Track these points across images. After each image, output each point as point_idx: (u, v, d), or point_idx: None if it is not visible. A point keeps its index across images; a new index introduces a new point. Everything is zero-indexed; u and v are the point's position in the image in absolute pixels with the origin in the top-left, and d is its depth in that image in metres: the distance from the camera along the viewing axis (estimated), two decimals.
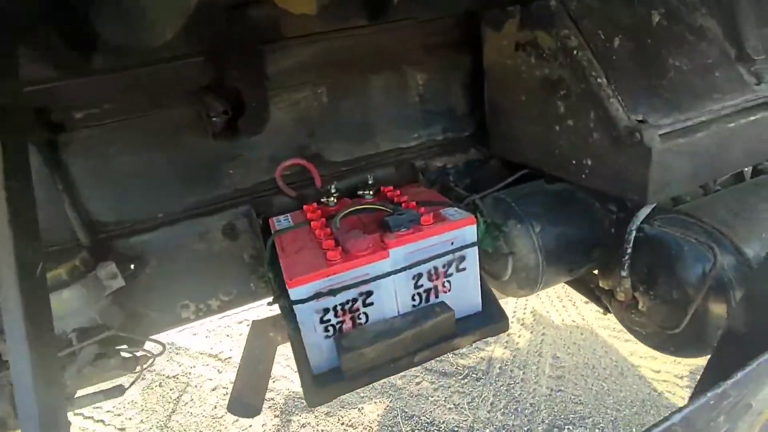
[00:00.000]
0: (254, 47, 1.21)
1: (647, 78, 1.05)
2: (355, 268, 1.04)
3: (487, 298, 1.25)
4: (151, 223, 1.34)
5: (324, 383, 1.07)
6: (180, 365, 3.01)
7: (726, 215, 1.09)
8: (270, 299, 1.20)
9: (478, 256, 1.20)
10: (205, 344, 3.16)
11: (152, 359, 1.23)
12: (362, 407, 2.46)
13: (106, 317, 1.17)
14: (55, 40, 0.90)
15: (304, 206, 1.32)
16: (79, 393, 1.25)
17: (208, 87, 1.20)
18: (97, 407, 2.73)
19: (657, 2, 1.16)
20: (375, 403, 2.47)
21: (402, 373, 2.62)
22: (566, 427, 2.21)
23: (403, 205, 1.24)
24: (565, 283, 1.54)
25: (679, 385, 2.36)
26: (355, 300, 1.08)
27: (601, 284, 1.25)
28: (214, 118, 1.15)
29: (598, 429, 2.19)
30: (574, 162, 1.16)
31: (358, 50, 1.38)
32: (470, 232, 1.16)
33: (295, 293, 1.01)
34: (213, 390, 2.75)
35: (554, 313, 2.97)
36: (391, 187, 1.38)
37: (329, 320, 1.08)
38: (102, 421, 2.68)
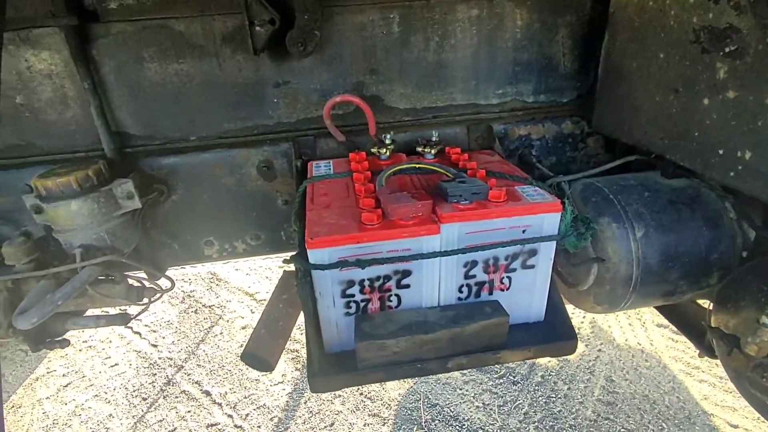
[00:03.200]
0: None
1: None
2: (395, 239, 0.82)
3: (554, 309, 0.98)
4: (182, 144, 1.20)
5: (332, 369, 0.89)
6: (217, 297, 3.05)
7: None
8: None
9: (553, 255, 0.92)
10: (245, 281, 3.17)
11: (160, 294, 1.11)
12: (385, 382, 2.32)
13: (116, 239, 1.05)
14: None
15: (351, 154, 1.10)
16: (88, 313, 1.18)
17: None
18: (137, 321, 2.84)
19: None
20: (399, 381, 2.32)
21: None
22: None
23: (469, 172, 0.98)
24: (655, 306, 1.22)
25: None
26: (387, 278, 0.87)
27: (715, 323, 0.93)
28: (257, 27, 0.94)
29: None
30: (721, 152, 0.83)
31: None
32: (551, 221, 0.89)
33: (314, 256, 0.81)
34: (243, 328, 2.74)
35: (617, 329, 2.59)
36: (459, 150, 1.12)
37: (353, 295, 0.88)
38: (139, 333, 2.78)
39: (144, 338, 2.75)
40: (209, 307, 2.98)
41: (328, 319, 0.89)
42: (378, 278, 0.87)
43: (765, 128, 0.75)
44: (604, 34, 1.12)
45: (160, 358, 2.58)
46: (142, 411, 2.24)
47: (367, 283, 0.87)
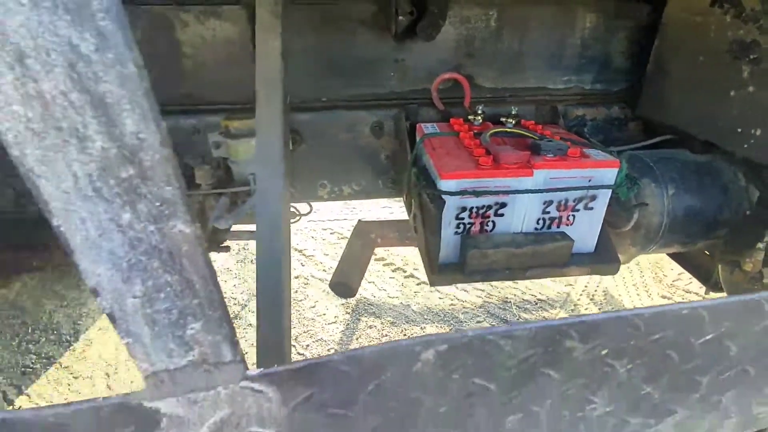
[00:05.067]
0: None
1: None
2: (501, 178, 1.15)
3: (604, 242, 1.32)
4: (314, 104, 1.52)
5: (445, 271, 1.23)
6: None
7: None
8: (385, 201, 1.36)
9: (608, 201, 1.26)
10: (294, 239, 3.52)
11: (299, 217, 1.46)
12: (424, 327, 2.68)
13: None
14: None
15: (451, 119, 1.43)
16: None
17: None
18: None
19: None
20: (436, 327, 2.68)
21: (466, 311, 2.80)
22: None
23: (548, 136, 1.31)
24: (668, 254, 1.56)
25: None
26: (489, 207, 1.21)
27: (722, 255, 1.27)
28: (400, 17, 1.26)
29: None
30: (740, 131, 1.16)
31: None
32: (610, 174, 1.22)
33: (445, 185, 1.14)
34: (296, 278, 3.10)
35: (626, 298, 2.95)
36: (533, 122, 1.45)
37: (463, 219, 1.21)
38: None
39: None
40: None
41: (444, 235, 1.23)
42: (483, 207, 1.20)
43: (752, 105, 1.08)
44: (655, 39, 1.44)
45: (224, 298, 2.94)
46: None
47: (475, 210, 1.20)
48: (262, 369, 0.32)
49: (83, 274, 0.24)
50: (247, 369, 0.32)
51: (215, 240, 1.39)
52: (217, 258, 3.32)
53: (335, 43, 1.44)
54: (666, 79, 1.40)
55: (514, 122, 1.46)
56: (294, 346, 2.55)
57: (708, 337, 0.43)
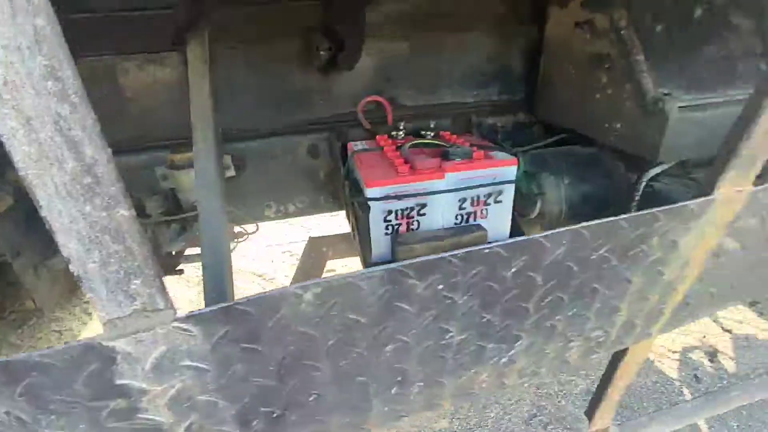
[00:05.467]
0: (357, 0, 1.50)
1: (678, 61, 1.27)
2: (418, 182, 1.34)
3: (515, 229, 1.53)
4: (255, 133, 1.68)
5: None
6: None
7: None
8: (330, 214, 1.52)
9: (513, 194, 1.48)
10: (253, 265, 3.60)
11: (246, 236, 1.59)
12: None
13: None
14: None
15: (377, 136, 1.62)
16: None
17: (317, 27, 1.50)
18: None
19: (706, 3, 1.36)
20: None
21: None
22: None
23: (459, 144, 1.53)
24: None
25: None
26: (412, 208, 1.39)
27: None
28: (321, 53, 1.45)
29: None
30: (606, 125, 1.41)
31: (438, 12, 1.64)
32: (511, 171, 1.44)
33: (371, 192, 1.32)
34: None
35: None
36: (449, 132, 1.66)
37: (390, 221, 1.39)
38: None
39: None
40: None
41: (375, 238, 1.40)
42: (406, 209, 1.39)
43: (626, 110, 1.33)
44: (542, 55, 1.70)
45: None
46: None
47: (400, 212, 1.38)
48: (188, 312, 0.47)
49: (61, 248, 0.38)
50: (176, 313, 0.47)
51: (170, 264, 1.50)
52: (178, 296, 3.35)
53: (269, 78, 1.61)
54: (552, 87, 1.66)
55: (432, 134, 1.67)
56: None
57: (513, 270, 0.61)
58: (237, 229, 1.77)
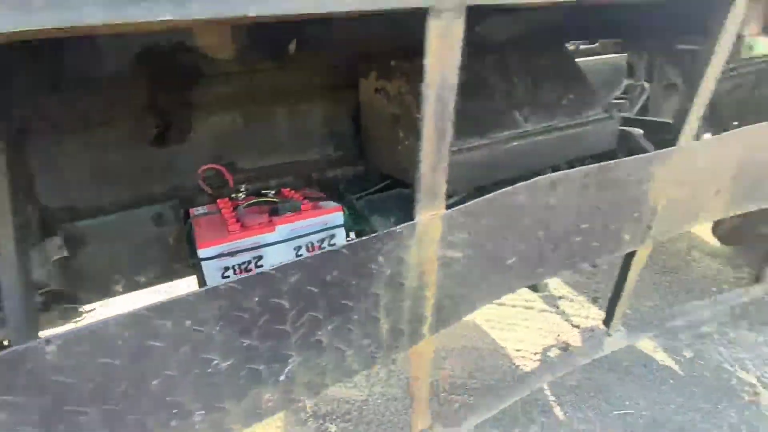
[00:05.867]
0: (183, 80, 1.65)
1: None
2: (249, 237, 1.48)
3: None
4: (96, 210, 1.69)
5: None
6: None
7: None
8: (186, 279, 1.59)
9: (345, 236, 1.67)
10: None
11: (84, 315, 1.56)
12: None
13: (51, 279, 1.50)
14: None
15: (218, 200, 1.74)
16: None
17: (147, 106, 1.62)
18: None
19: (470, 71, 1.76)
20: None
21: None
22: None
23: (291, 198, 1.71)
24: None
25: None
26: (249, 261, 1.51)
27: None
28: (154, 129, 1.56)
29: None
30: (409, 170, 1.70)
31: (266, 86, 1.86)
32: (338, 216, 1.64)
33: (203, 253, 1.42)
34: None
35: None
36: (289, 189, 1.84)
37: (229, 276, 1.49)
38: None
39: None
40: None
41: None
42: (243, 263, 1.50)
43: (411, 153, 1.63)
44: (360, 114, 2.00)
45: None
46: None
47: (237, 266, 1.49)
48: None
49: None
50: None
51: None
52: None
53: (107, 157, 1.66)
54: (371, 141, 1.95)
55: (274, 192, 1.84)
56: None
57: (256, 299, 0.76)
58: (88, 307, 1.72)
